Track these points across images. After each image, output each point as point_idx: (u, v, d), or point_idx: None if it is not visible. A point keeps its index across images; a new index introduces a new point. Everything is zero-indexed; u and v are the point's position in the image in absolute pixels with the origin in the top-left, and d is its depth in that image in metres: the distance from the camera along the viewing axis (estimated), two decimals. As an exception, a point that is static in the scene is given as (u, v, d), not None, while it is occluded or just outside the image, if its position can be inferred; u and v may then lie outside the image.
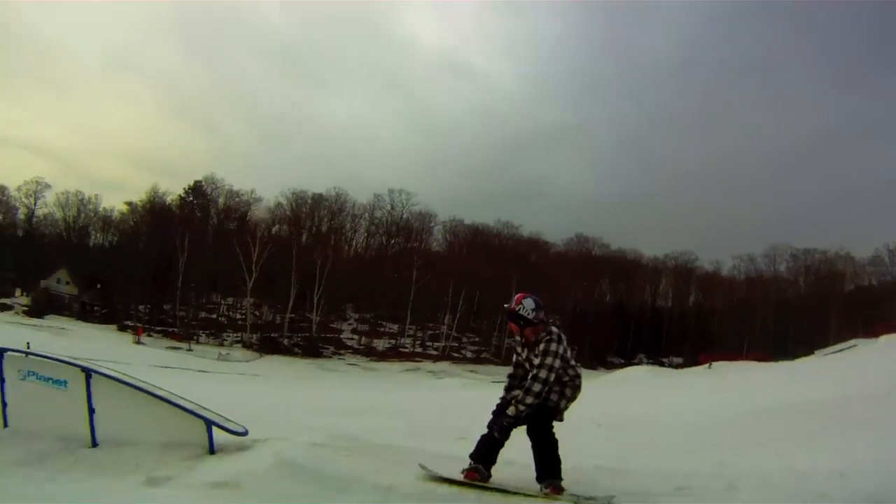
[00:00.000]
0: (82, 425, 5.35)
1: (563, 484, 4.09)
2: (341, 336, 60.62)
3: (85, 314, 58.33)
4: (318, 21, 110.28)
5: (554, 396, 4.22)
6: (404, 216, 64.88)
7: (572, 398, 4.34)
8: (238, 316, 59.66)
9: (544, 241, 66.83)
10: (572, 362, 4.34)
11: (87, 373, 5.44)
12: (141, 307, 58.31)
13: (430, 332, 63.38)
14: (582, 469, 4.62)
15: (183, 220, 58.18)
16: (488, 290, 61.95)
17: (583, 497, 3.99)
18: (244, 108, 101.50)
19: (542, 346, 4.14)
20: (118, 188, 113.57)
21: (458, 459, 4.48)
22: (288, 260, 55.90)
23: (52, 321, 56.31)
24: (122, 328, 56.73)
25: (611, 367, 64.38)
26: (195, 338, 55.91)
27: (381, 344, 61.29)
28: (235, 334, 57.96)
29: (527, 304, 4.25)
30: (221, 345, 56.36)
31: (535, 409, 4.13)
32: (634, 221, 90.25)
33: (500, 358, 62.73)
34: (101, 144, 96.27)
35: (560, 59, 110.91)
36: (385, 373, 53.90)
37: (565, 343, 4.23)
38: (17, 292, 59.31)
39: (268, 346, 55.93)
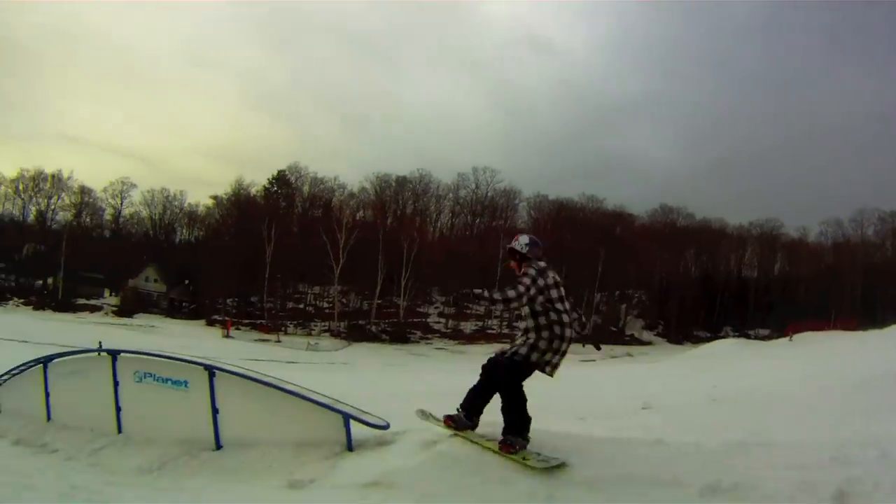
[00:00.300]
0: (205, 427, 5.08)
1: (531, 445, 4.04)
2: (428, 320, 59.17)
3: (173, 310, 57.94)
4: (393, 4, 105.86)
5: (523, 350, 4.07)
6: (489, 194, 62.72)
7: (550, 349, 4.08)
8: (325, 304, 58.59)
9: (628, 214, 64.13)
10: (558, 305, 4.10)
11: (211, 371, 5.18)
12: (228, 301, 57.58)
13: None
14: (733, 444, 4.30)
15: (269, 210, 56.85)
16: (575, 265, 59.87)
17: (534, 454, 3.95)
18: (324, 96, 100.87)
19: (522, 276, 4.07)
20: (203, 183, 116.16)
21: (573, 438, 4.45)
22: (374, 245, 54.35)
23: (142, 319, 56.17)
24: (211, 323, 56.26)
25: (697, 340, 62.11)
26: (283, 329, 55.08)
27: (467, 326, 59.73)
28: (323, 323, 56.96)
29: (521, 240, 4.26)
30: (310, 334, 55.51)
31: (506, 362, 4.09)
32: (719, 190, 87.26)
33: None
34: (184, 142, 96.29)
35: (640, 25, 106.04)
36: (474, 355, 52.35)
37: (550, 279, 4.09)
38: (106, 293, 59.16)
39: (356, 333, 54.82)
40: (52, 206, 60.25)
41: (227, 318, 54.39)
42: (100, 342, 27.83)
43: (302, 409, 4.80)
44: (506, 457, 3.93)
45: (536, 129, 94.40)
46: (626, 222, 63.87)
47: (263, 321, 56.10)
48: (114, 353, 5.58)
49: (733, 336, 58.95)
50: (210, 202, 63.96)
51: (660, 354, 53.97)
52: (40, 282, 59.38)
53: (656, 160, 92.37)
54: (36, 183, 59.64)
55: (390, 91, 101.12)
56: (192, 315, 57.43)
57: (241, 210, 58.55)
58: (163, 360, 5.48)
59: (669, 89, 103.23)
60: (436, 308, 60.27)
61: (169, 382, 5.33)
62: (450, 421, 4.31)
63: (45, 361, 6.23)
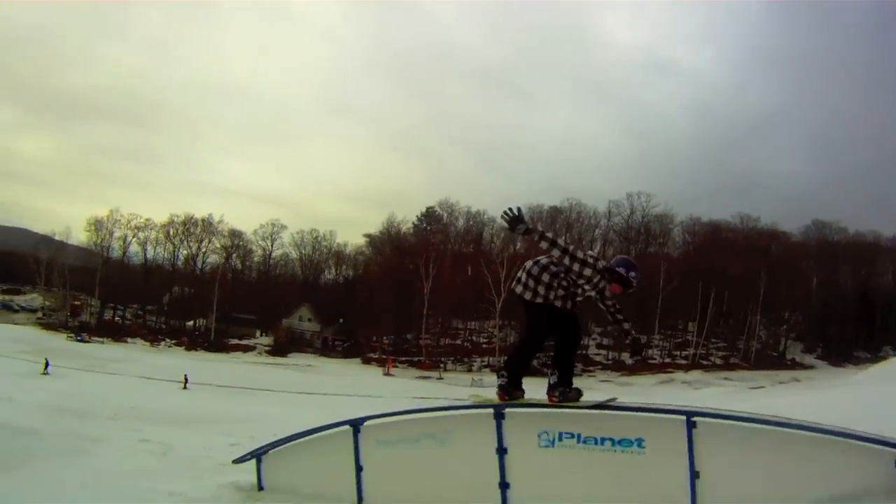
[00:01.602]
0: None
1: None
2: (588, 352, 56.73)
3: (327, 349, 57.13)
4: (515, 37, 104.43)
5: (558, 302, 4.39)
6: (644, 219, 60.22)
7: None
8: (482, 340, 56.86)
9: (782, 232, 60.63)
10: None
11: (689, 418, 3.66)
12: (384, 339, 56.38)
13: (675, 340, 58.72)
14: None
15: (422, 246, 55.74)
16: (735, 289, 56.84)
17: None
18: (457, 134, 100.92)
19: None
20: (350, 224, 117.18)
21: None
22: None
23: (296, 359, 55.56)
24: (366, 360, 55.22)
25: (858, 362, 58.13)
26: (442, 365, 53.45)
27: (627, 357, 57.05)
28: (482, 359, 55.13)
29: (633, 276, 4.42)
30: (470, 370, 53.85)
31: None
32: (869, 198, 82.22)
33: (750, 363, 57.60)
34: (324, 187, 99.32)
35: (763, 37, 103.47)
36: (641, 387, 49.88)
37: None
38: (257, 333, 58.74)
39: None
40: (203, 250, 60.46)
41: (387, 356, 53.11)
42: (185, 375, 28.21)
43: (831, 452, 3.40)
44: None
45: (668, 153, 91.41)
46: (781, 241, 60.45)
47: (421, 358, 54.66)
48: (498, 408, 4.25)
49: (894, 355, 54.98)
50: (361, 241, 63.58)
51: (825, 378, 50.47)
52: (191, 323, 59.32)
53: (795, 174, 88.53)
54: (186, 227, 60.01)
55: (522, 124, 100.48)
56: (346, 353, 56.51)
57: (394, 247, 57.58)
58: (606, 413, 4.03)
59: (799, 100, 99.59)
60: (593, 339, 57.85)
61: (612, 444, 3.83)
62: (503, 394, 4.34)
63: (355, 424, 4.86)
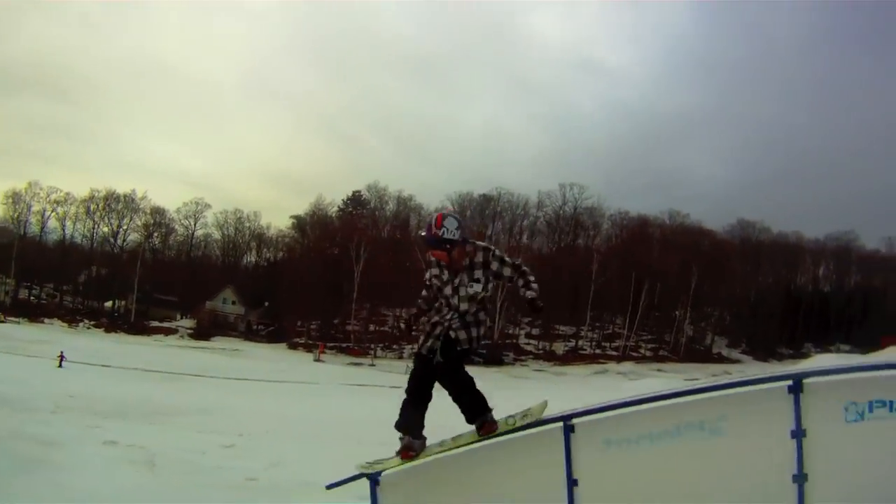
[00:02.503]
0: None
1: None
2: (518, 342, 56.92)
3: (251, 333, 55.32)
4: (448, 30, 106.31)
5: (462, 334, 3.70)
6: (576, 211, 60.82)
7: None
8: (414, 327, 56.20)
9: (709, 230, 62.56)
10: None
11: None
12: (311, 324, 55.06)
13: (604, 332, 59.60)
14: None
15: (352, 229, 54.79)
16: (666, 283, 58.19)
17: (517, 415, 3.72)
18: (383, 122, 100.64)
19: (493, 258, 3.71)
20: (275, 209, 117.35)
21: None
22: None
23: (221, 342, 53.72)
24: (293, 346, 53.82)
25: (781, 357, 60.59)
26: (372, 352, 52.59)
27: (559, 347, 57.56)
28: (411, 346, 54.42)
29: (449, 224, 3.64)
30: (401, 357, 53.07)
31: (445, 348, 3.69)
32: (792, 200, 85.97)
33: (679, 355, 59.02)
34: (246, 170, 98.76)
35: (685, 43, 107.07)
36: (575, 377, 50.28)
37: None
38: (178, 316, 56.41)
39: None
40: (124, 227, 57.75)
41: (316, 342, 51.87)
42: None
43: None
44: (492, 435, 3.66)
45: (589, 150, 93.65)
46: (708, 237, 62.37)
47: (350, 344, 53.66)
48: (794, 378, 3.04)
49: (816, 352, 57.42)
50: (284, 224, 61.99)
51: (756, 371, 52.38)
52: (109, 304, 56.50)
53: (715, 176, 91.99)
54: (107, 203, 57.20)
55: (449, 115, 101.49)
56: (270, 338, 54.83)
57: (322, 229, 56.38)
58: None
59: (721, 104, 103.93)
60: (522, 329, 58.06)
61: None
62: (407, 452, 3.81)
63: (566, 419, 3.64)
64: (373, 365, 48.34)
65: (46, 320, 54.93)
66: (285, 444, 10.62)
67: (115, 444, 8.07)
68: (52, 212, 57.68)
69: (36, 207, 57.84)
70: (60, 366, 23.63)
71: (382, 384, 33.25)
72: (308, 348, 52.59)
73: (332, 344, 53.43)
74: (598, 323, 59.18)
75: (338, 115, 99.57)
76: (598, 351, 58.06)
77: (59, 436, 7.95)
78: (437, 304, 3.81)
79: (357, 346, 53.16)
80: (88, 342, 46.11)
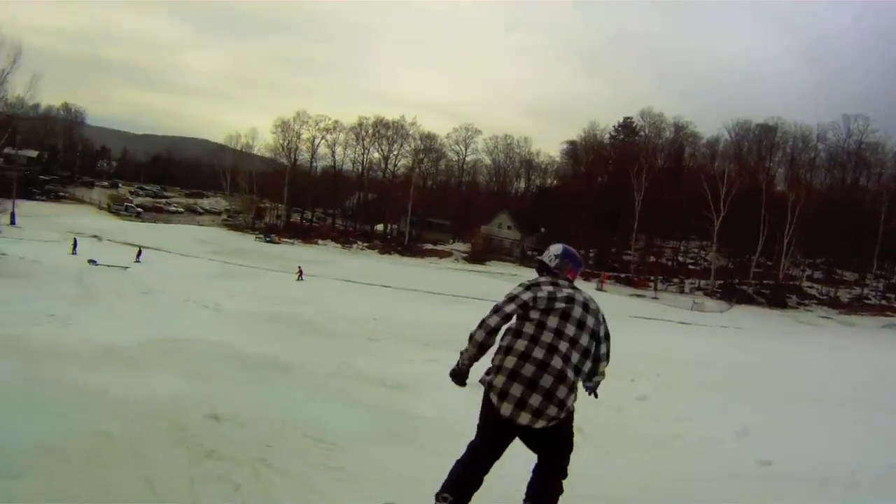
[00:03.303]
0: None
1: None
2: (801, 284, 53.56)
3: (525, 259, 54.95)
4: None
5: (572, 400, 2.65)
6: (861, 145, 56.09)
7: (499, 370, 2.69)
8: (688, 260, 54.13)
9: None
10: (542, 328, 2.68)
11: None
12: (585, 252, 53.95)
13: (890, 281, 55.05)
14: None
15: (633, 154, 53.05)
16: None
17: None
18: (638, 54, 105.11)
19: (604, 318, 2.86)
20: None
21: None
22: (751, 198, 49.46)
23: (496, 267, 53.57)
24: (570, 274, 52.83)
25: None
26: (651, 284, 50.93)
27: (843, 294, 53.68)
28: (690, 280, 52.44)
29: (552, 248, 3.09)
30: (682, 292, 51.17)
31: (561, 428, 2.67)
32: None
33: None
34: (510, 100, 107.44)
35: None
36: (864, 329, 46.01)
37: (544, 293, 2.73)
38: (450, 239, 57.10)
39: (729, 294, 49.85)
40: (395, 153, 59.08)
41: (599, 271, 50.75)
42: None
43: None
44: None
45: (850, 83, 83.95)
46: None
47: (629, 275, 52.22)
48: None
49: None
50: (554, 150, 61.43)
51: None
52: (380, 227, 57.97)
53: None
54: (377, 129, 58.66)
55: (700, 45, 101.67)
56: (544, 266, 54.17)
57: (597, 156, 55.15)
58: None
59: None
60: (801, 271, 54.59)
61: None
62: None
63: None
64: (656, 298, 46.67)
65: (320, 241, 57.09)
66: (693, 394, 8.14)
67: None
68: (322, 139, 59.94)
69: (305, 135, 60.25)
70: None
71: (667, 318, 31.51)
72: (585, 277, 51.61)
73: (610, 274, 52.29)
74: (883, 272, 54.67)
75: (598, 48, 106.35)
76: (883, 302, 53.72)
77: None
78: (523, 340, 2.66)
79: (637, 277, 51.67)
80: (365, 263, 47.58)
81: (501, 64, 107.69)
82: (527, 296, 2.72)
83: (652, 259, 53.73)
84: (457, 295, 29.22)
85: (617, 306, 31.81)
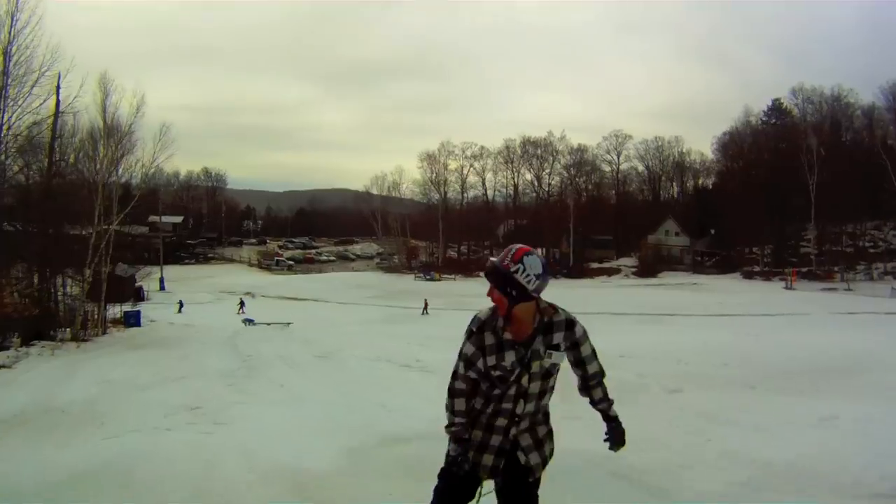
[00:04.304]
0: None
1: None
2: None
3: (696, 266, 54.42)
4: None
5: (535, 457, 2.35)
6: None
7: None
8: (866, 244, 52.69)
9: None
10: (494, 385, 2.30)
11: None
12: (765, 248, 52.90)
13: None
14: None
15: (803, 133, 50.87)
16: None
17: None
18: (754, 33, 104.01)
19: (578, 329, 2.28)
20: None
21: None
22: None
23: (670, 278, 52.83)
24: (747, 275, 51.99)
25: None
26: (838, 274, 49.60)
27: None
28: (875, 265, 51.03)
29: (531, 265, 2.15)
30: (871, 279, 49.67)
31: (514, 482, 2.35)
32: None
33: None
34: (625, 107, 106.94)
35: None
36: None
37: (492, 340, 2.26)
38: (613, 255, 56.93)
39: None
40: (547, 170, 58.66)
41: (789, 269, 49.52)
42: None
43: None
44: None
45: None
46: None
47: (812, 268, 51.06)
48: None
49: None
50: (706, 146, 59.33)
51: None
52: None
53: None
54: (525, 149, 58.27)
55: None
56: (719, 268, 53.50)
57: (757, 141, 53.03)
58: None
59: None
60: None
61: None
62: None
63: None
64: (850, 289, 45.19)
65: (481, 273, 57.48)
66: None
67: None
68: (470, 167, 59.85)
69: (452, 165, 60.26)
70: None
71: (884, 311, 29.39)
72: (766, 276, 50.84)
73: (777, 270, 51.38)
74: None
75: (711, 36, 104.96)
76: None
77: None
78: (485, 394, 2.29)
79: (821, 269, 50.55)
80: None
81: (619, 67, 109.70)
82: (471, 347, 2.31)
83: (828, 247, 52.39)
84: (652, 313, 27.71)
85: (817, 304, 30.20)
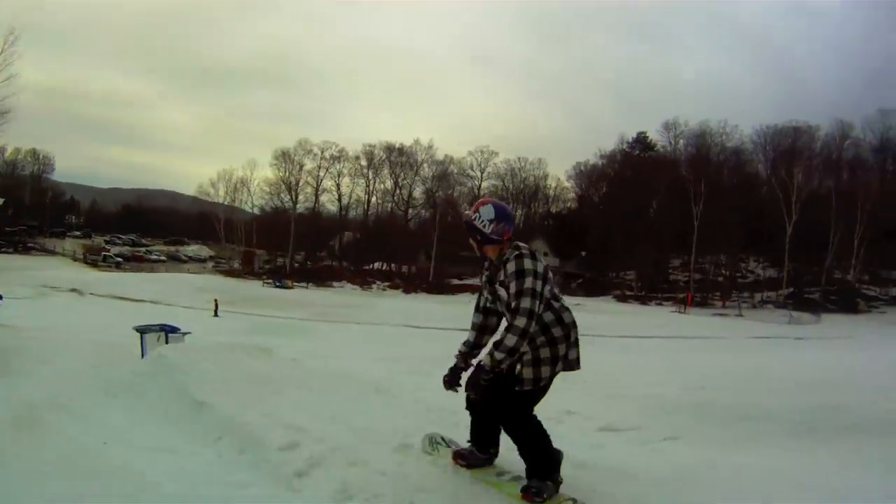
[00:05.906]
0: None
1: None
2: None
3: (563, 287, 49.22)
4: None
5: (526, 372, 2.65)
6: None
7: (560, 356, 2.69)
8: (737, 275, 49.60)
9: None
10: (558, 296, 2.74)
11: None
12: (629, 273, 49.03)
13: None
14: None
15: (692, 162, 48.48)
16: None
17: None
18: (601, 81, 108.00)
19: (510, 266, 2.58)
20: None
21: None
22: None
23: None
24: (621, 298, 47.44)
25: None
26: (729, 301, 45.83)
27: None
28: (754, 294, 47.60)
29: (484, 213, 2.72)
30: (754, 307, 46.04)
31: (495, 388, 2.63)
32: None
33: None
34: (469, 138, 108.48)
35: None
36: None
37: (542, 266, 2.60)
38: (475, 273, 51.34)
39: (800, 303, 44.93)
40: (408, 181, 53.44)
41: (685, 293, 45.44)
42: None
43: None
44: None
45: (813, 95, 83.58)
46: None
47: (677, 294, 47.17)
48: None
49: None
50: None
51: None
52: (405, 267, 51.91)
53: None
54: (389, 155, 53.15)
55: (661, 67, 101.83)
56: (587, 291, 48.49)
57: (635, 166, 50.49)
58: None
59: None
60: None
61: None
62: (459, 459, 3.02)
63: None
64: (740, 315, 41.12)
65: (335, 283, 50.76)
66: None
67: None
68: (327, 171, 54.21)
69: (309, 165, 54.62)
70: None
71: (785, 335, 26.21)
72: (641, 300, 46.43)
73: (667, 294, 47.11)
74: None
75: (556, 80, 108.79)
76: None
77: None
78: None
79: (701, 295, 46.48)
80: (406, 305, 41.38)
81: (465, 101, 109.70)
82: (541, 267, 2.58)
83: (706, 276, 48.82)
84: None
85: (723, 329, 28.65)
